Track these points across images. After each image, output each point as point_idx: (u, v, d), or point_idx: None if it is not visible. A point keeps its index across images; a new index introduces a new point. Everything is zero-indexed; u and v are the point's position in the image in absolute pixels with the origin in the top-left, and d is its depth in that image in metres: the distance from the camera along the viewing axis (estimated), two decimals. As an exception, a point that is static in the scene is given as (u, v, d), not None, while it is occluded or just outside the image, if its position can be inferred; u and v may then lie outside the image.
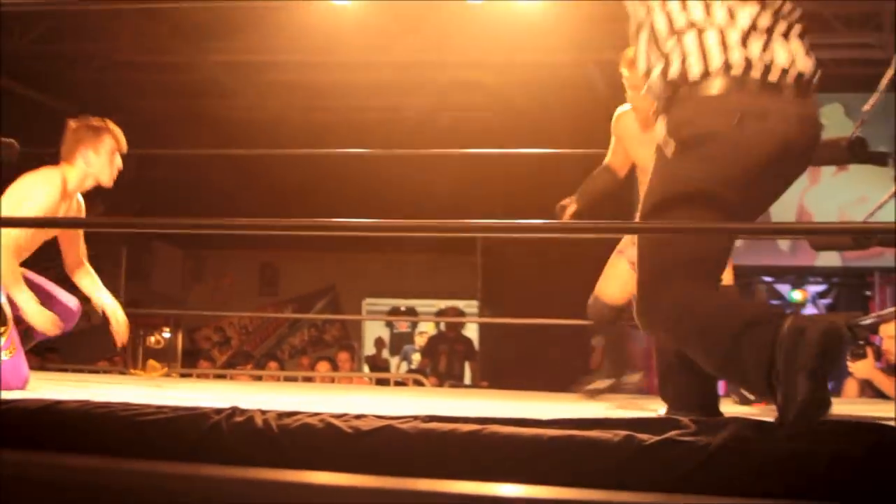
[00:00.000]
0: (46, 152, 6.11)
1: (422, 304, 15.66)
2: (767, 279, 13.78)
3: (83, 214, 5.53)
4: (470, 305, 14.59)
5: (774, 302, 13.74)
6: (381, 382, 11.10)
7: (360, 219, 3.14)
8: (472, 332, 14.05)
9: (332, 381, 10.28)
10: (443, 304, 14.56)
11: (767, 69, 3.10)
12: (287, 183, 13.06)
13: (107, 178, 5.41)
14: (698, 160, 3.13)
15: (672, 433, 2.63)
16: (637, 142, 5.53)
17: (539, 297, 12.30)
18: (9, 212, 5.02)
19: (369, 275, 15.46)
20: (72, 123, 5.45)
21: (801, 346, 2.89)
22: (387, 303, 16.00)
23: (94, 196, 5.61)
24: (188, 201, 12.16)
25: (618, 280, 5.66)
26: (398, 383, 10.37)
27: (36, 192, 5.19)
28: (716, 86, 3.11)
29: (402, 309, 15.71)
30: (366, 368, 14.13)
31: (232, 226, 4.67)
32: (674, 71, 3.18)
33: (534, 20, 10.57)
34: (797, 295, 13.92)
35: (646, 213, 3.24)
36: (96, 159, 5.37)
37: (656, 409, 4.19)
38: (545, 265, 12.29)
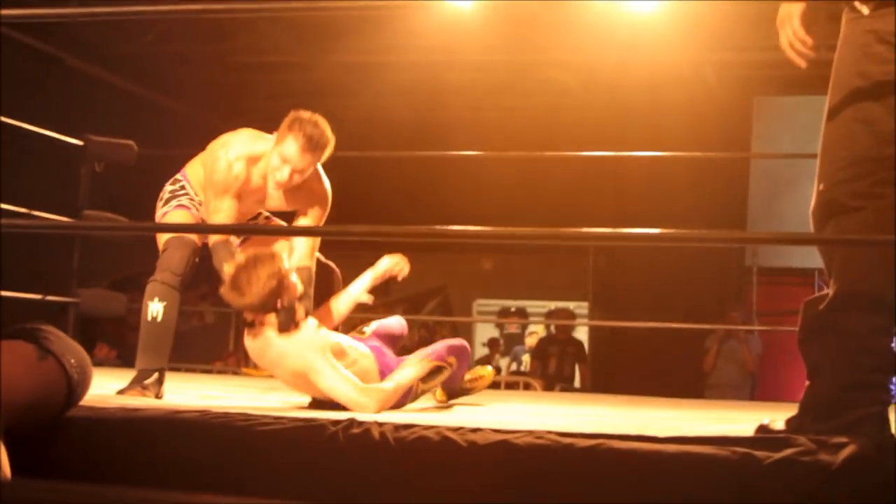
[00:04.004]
0: (165, 153, 6.09)
1: (532, 305, 15.59)
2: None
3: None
4: (580, 306, 14.51)
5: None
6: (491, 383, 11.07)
7: (472, 226, 3.15)
8: (582, 333, 13.98)
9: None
10: (553, 304, 14.49)
11: None
12: (403, 183, 13.11)
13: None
14: None
15: (790, 451, 2.59)
16: None
17: (651, 298, 12.24)
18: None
19: (480, 275, 15.43)
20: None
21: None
22: (497, 303, 15.96)
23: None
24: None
25: None
26: (508, 386, 10.35)
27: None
28: None
29: (513, 310, 15.65)
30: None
31: (349, 232, 4.70)
32: None
33: (648, 20, 10.50)
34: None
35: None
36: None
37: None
38: (657, 266, 12.22)
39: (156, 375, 4.84)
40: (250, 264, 4.47)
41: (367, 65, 12.43)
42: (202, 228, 5.15)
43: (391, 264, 5.01)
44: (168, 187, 5.17)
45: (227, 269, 4.51)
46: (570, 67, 12.47)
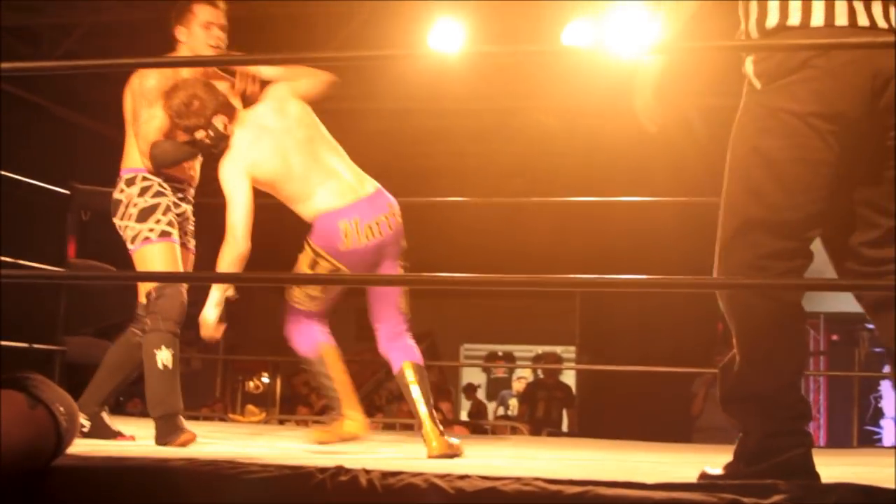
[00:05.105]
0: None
1: (519, 349, 15.61)
2: (871, 326, 13.52)
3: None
4: (568, 350, 14.53)
5: (878, 350, 13.49)
6: (478, 427, 11.09)
7: (459, 273, 3.17)
8: (569, 377, 13.99)
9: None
10: (540, 349, 14.50)
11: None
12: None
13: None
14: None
15: (777, 498, 2.60)
16: None
17: (638, 341, 12.22)
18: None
19: (466, 320, 15.43)
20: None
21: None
22: (484, 348, 15.96)
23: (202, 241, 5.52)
24: (291, 249, 12.18)
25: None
26: (496, 430, 10.34)
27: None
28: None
29: (500, 354, 15.66)
30: (463, 414, 14.12)
31: (333, 280, 4.71)
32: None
33: (632, 65, 10.53)
34: (902, 342, 13.64)
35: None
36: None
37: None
38: (644, 310, 12.23)
39: (181, 418, 4.93)
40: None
41: (349, 111, 12.43)
42: (200, 277, 5.16)
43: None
44: (130, 191, 5.09)
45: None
46: (555, 113, 12.50)
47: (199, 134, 4.83)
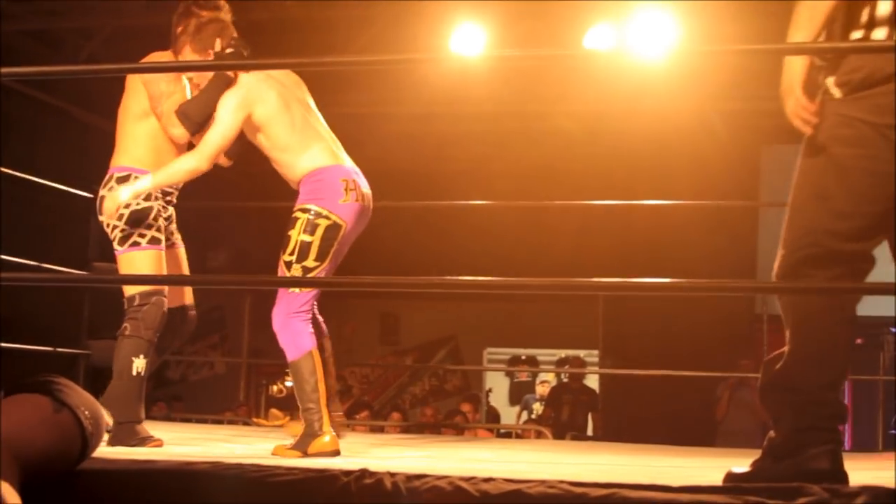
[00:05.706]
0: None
1: (543, 353, 15.59)
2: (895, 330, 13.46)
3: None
4: (591, 354, 14.50)
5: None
6: (502, 432, 11.09)
7: (482, 277, 3.16)
8: (592, 381, 13.97)
9: (458, 431, 10.27)
10: (563, 353, 14.48)
11: None
12: (410, 233, 13.11)
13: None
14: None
15: (803, 500, 2.59)
16: None
17: (661, 345, 12.20)
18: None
19: (489, 324, 15.41)
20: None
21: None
22: (508, 352, 15.94)
23: (218, 247, 5.53)
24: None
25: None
26: (520, 434, 10.32)
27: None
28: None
29: (523, 358, 15.64)
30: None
31: (359, 284, 4.70)
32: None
33: (655, 69, 10.51)
34: (927, 346, 13.56)
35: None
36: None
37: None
38: (667, 314, 12.20)
39: (143, 425, 4.91)
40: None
41: (373, 115, 12.43)
42: (208, 280, 5.15)
43: None
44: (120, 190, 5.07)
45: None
46: (577, 116, 12.47)
47: (218, 47, 4.91)
